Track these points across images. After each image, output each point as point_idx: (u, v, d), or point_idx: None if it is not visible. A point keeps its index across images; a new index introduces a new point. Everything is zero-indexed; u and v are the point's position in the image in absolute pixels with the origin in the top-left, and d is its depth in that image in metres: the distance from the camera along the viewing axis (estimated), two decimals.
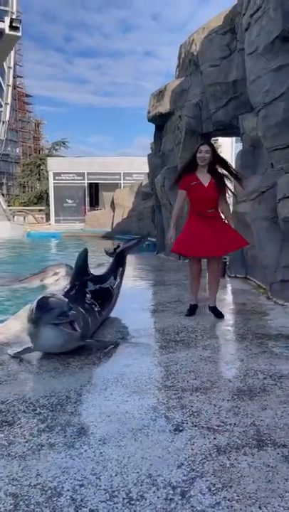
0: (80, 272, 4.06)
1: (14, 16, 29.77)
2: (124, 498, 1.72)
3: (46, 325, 3.08)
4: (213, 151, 4.23)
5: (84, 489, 1.78)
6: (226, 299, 5.68)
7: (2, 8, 32.81)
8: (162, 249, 10.61)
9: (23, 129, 51.98)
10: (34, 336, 3.24)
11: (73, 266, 4.37)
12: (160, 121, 10.23)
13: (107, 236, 19.48)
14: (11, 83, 44.18)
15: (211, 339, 3.82)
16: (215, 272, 4.48)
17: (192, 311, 4.58)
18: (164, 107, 9.53)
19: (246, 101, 6.75)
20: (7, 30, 26.93)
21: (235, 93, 7.38)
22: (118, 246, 5.15)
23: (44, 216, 32.35)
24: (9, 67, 42.47)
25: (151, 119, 10.44)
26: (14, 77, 46.37)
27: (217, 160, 4.28)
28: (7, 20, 27.13)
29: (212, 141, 4.61)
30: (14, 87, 47.30)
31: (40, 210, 33.65)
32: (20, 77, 52.75)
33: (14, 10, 33.77)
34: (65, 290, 3.76)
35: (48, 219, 31.22)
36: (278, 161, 5.58)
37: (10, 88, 44.00)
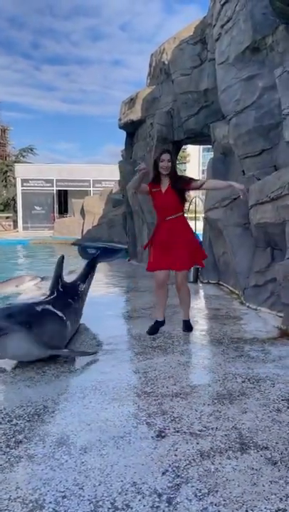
0: (58, 280, 3.99)
1: None
2: (109, 508, 1.67)
3: None
4: (172, 158, 4.04)
5: (67, 501, 1.72)
6: (200, 305, 5.71)
7: None
8: (134, 255, 10.60)
9: None
10: None
11: (50, 275, 4.27)
12: (131, 129, 10.27)
13: (76, 243, 19.29)
14: None
15: (187, 344, 3.82)
16: (179, 284, 4.12)
17: (156, 329, 4.17)
18: (136, 114, 9.58)
19: (217, 109, 6.87)
20: None
21: (206, 102, 7.51)
22: (96, 254, 5.05)
23: (11, 223, 31.69)
24: None
25: (122, 127, 10.46)
26: None
27: (174, 167, 4.07)
28: None
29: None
30: None
31: (8, 218, 32.97)
32: None
33: None
34: (44, 298, 3.68)
35: (15, 226, 30.61)
36: (249, 168, 5.70)
37: None
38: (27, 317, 3.20)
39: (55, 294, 3.88)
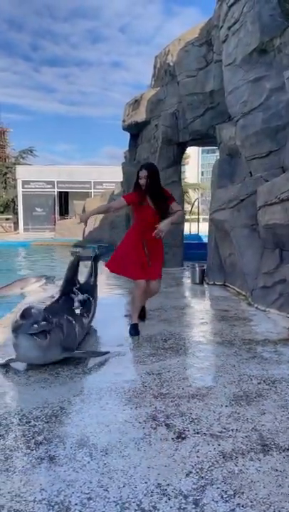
0: (70, 281, 3.98)
1: None
2: (136, 510, 1.67)
3: (21, 335, 3.05)
4: (150, 175, 4.02)
5: (93, 502, 1.71)
6: (208, 306, 5.71)
7: None
8: None
9: None
10: (14, 347, 3.20)
11: (64, 274, 4.26)
12: (135, 130, 10.26)
13: (78, 245, 19.27)
14: None
15: (199, 345, 3.81)
16: (157, 289, 4.43)
17: (138, 329, 4.20)
18: (140, 116, 9.57)
19: (223, 111, 6.88)
20: None
21: (212, 103, 7.52)
22: (96, 253, 5.03)
23: (12, 225, 31.65)
24: None
25: (126, 128, 10.45)
26: None
27: (153, 184, 4.03)
28: None
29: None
30: None
31: (8, 219, 32.93)
32: None
33: None
34: (53, 300, 3.65)
35: (16, 228, 30.56)
36: (257, 170, 5.70)
37: None
38: (40, 319, 3.17)
39: (69, 296, 3.87)
